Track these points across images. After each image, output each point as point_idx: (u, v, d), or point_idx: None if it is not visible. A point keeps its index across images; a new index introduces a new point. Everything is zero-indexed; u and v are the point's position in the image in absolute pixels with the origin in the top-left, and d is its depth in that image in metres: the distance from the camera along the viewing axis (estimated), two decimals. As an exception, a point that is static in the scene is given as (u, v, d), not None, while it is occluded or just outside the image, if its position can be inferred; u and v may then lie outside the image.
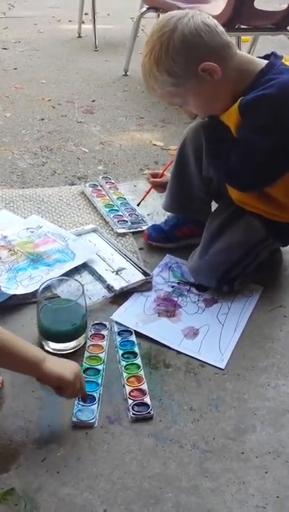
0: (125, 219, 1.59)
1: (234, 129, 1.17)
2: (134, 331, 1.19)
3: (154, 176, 1.58)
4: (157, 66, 1.12)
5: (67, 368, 0.95)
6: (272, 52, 1.19)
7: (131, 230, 1.56)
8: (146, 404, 1.02)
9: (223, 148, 1.21)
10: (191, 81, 1.13)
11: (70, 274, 1.34)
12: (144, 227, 1.55)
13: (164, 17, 1.14)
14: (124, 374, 1.08)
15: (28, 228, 1.50)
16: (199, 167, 1.33)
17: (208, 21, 1.11)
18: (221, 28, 1.13)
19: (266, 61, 1.16)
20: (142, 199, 1.60)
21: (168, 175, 1.51)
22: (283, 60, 1.16)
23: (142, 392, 1.04)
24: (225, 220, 1.32)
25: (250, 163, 1.16)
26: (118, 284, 1.31)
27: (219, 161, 1.23)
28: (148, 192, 1.59)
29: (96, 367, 1.10)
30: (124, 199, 1.71)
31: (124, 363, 1.11)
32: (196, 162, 1.32)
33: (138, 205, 1.60)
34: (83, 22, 3.87)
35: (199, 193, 1.38)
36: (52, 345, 1.13)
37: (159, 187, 1.56)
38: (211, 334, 1.20)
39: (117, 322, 1.22)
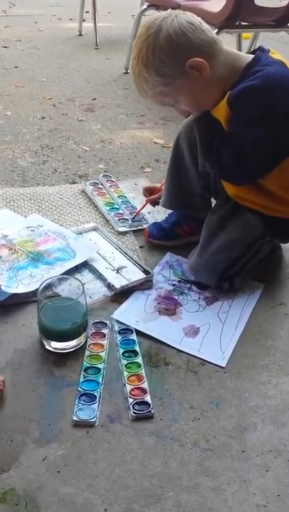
0: (126, 217, 1.59)
1: (224, 122, 1.17)
2: (135, 329, 1.19)
3: (149, 190, 1.57)
4: (146, 68, 1.13)
5: None
6: (259, 47, 1.19)
7: (132, 229, 1.56)
8: (146, 403, 1.01)
9: (215, 142, 1.21)
10: (180, 79, 1.14)
11: (71, 272, 1.34)
12: (145, 226, 1.54)
13: (148, 20, 1.15)
14: (125, 373, 1.08)
15: (28, 227, 1.50)
16: (195, 162, 1.32)
17: (193, 19, 1.13)
18: (205, 26, 1.14)
19: (252, 56, 1.16)
20: (136, 214, 1.59)
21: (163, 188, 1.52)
22: (270, 54, 1.16)
23: (143, 390, 1.04)
24: (222, 217, 1.32)
25: (241, 155, 1.15)
26: (119, 282, 1.30)
27: (212, 156, 1.23)
28: (142, 207, 1.58)
29: (97, 366, 1.09)
30: (125, 197, 1.70)
31: (124, 362, 1.11)
32: (191, 157, 1.32)
33: (133, 219, 1.59)
34: (84, 20, 3.86)
35: (197, 189, 1.38)
36: (53, 344, 1.13)
37: (153, 202, 1.56)
38: (211, 332, 1.19)
39: (117, 321, 1.21)
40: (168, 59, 1.11)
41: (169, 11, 1.15)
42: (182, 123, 1.34)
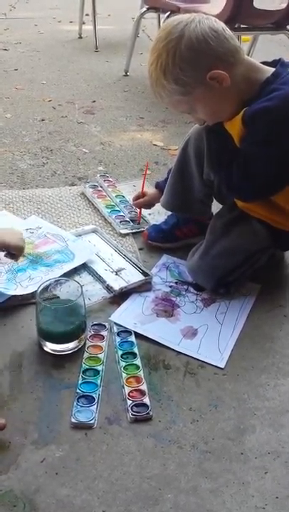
0: (127, 219, 1.59)
1: (237, 139, 1.16)
2: (134, 331, 1.19)
3: (136, 198, 1.58)
4: (164, 75, 1.10)
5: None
6: (279, 59, 1.16)
7: (134, 231, 1.56)
8: (145, 405, 1.01)
9: (224, 155, 1.21)
10: (199, 89, 1.11)
11: (70, 274, 1.34)
12: (147, 227, 1.54)
13: (169, 23, 1.10)
14: (124, 374, 1.08)
15: (27, 229, 1.50)
16: (200, 169, 1.32)
17: (216, 26, 1.08)
18: (228, 32, 1.10)
19: (272, 69, 1.13)
20: (138, 222, 1.59)
21: (148, 191, 1.53)
22: None
23: (141, 392, 1.04)
24: (228, 222, 1.31)
25: (251, 174, 1.15)
26: (118, 284, 1.30)
27: (219, 167, 1.23)
28: (140, 214, 1.59)
29: (95, 368, 1.09)
30: (123, 196, 1.71)
31: (123, 364, 1.11)
32: (197, 164, 1.32)
33: (138, 223, 1.59)
34: (84, 23, 3.88)
35: (199, 194, 1.38)
36: (51, 346, 1.13)
37: (146, 206, 1.57)
38: (209, 334, 1.20)
39: (116, 323, 1.21)
40: (188, 68, 1.07)
41: (192, 14, 1.10)
42: (193, 128, 1.33)
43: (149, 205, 1.57)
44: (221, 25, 1.09)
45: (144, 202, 1.55)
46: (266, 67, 1.15)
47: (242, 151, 1.16)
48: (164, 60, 1.08)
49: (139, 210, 1.59)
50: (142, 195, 1.55)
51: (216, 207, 1.44)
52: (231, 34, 1.10)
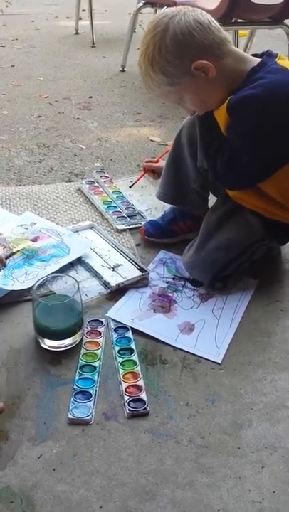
0: (124, 215, 1.59)
1: (223, 127, 1.17)
2: (131, 327, 1.19)
3: (149, 162, 1.60)
4: (152, 66, 1.13)
5: None
6: (267, 51, 1.17)
7: (130, 226, 1.56)
8: (142, 401, 1.01)
9: (214, 143, 1.21)
10: (185, 80, 1.13)
11: (67, 270, 1.34)
12: (143, 223, 1.54)
13: (156, 16, 1.14)
14: (121, 370, 1.08)
15: (22, 225, 1.49)
16: (194, 158, 1.32)
17: (201, 18, 1.10)
18: (215, 25, 1.11)
19: (259, 59, 1.14)
20: (134, 182, 1.60)
21: (163, 162, 1.53)
22: (278, 59, 1.14)
23: (138, 388, 1.04)
24: (222, 215, 1.31)
25: (236, 164, 1.15)
26: (114, 280, 1.30)
27: (209, 161, 1.23)
28: (141, 176, 1.59)
29: (92, 364, 1.09)
30: (120, 192, 1.71)
31: (120, 360, 1.10)
32: (191, 152, 1.32)
33: (130, 187, 1.60)
34: (80, 18, 3.86)
35: (194, 185, 1.38)
36: (48, 343, 1.13)
37: (152, 172, 1.59)
38: (206, 329, 1.19)
39: (113, 319, 1.21)
40: (174, 59, 1.10)
41: (178, 7, 1.12)
42: (186, 118, 1.34)
43: (155, 171, 1.59)
44: (207, 17, 1.11)
45: (153, 165, 1.58)
46: (253, 58, 1.17)
47: (228, 140, 1.16)
48: (151, 52, 1.11)
49: (142, 173, 1.60)
50: (156, 162, 1.58)
51: (212, 202, 1.44)
52: (218, 26, 1.12)
